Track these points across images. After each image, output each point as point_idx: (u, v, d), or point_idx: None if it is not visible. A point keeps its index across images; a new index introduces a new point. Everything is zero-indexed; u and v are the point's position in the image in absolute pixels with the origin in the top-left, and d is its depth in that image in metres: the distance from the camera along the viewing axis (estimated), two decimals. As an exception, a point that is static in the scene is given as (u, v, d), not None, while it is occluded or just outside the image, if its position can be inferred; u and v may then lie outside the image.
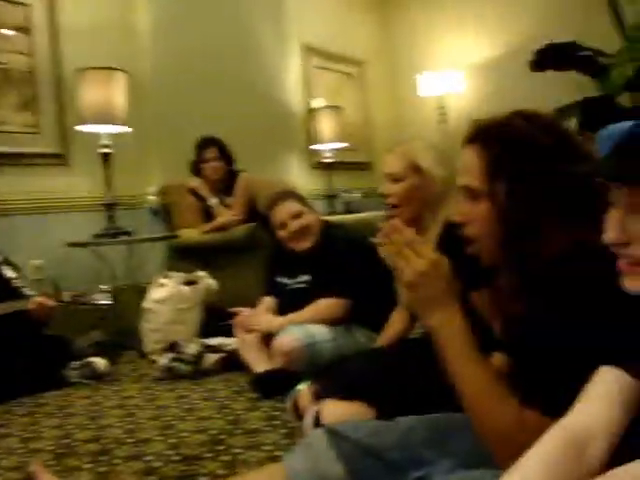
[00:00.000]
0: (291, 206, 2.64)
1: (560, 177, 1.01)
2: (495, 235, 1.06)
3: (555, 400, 0.92)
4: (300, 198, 2.73)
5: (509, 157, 1.04)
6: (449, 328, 1.05)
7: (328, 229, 2.71)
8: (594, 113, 3.52)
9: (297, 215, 2.62)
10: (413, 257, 1.06)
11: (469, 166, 1.09)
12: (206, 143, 3.75)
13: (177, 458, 1.84)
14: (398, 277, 1.10)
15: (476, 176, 1.07)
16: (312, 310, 2.55)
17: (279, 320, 2.59)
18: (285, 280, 2.74)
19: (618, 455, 0.78)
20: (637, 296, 0.83)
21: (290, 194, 2.77)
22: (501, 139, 1.06)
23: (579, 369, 0.90)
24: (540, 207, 1.03)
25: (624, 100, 4.32)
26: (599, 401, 0.79)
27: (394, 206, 1.85)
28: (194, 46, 4.41)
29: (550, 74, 4.33)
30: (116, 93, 3.47)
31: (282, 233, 2.65)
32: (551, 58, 4.43)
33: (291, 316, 2.57)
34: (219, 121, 4.23)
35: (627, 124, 1.05)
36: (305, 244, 2.62)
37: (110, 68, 3.48)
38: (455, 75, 5.70)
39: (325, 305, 2.54)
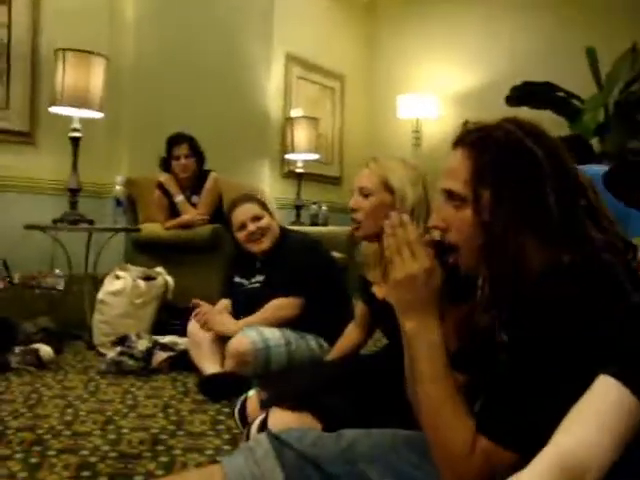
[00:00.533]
0: (251, 208, 2.65)
1: (549, 191, 0.98)
2: (476, 243, 1.02)
3: (510, 432, 0.91)
4: (261, 202, 2.74)
5: (497, 163, 1.00)
6: (423, 338, 1.03)
7: (287, 233, 2.74)
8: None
9: (256, 218, 2.63)
10: (408, 257, 1.04)
11: (454, 169, 1.05)
12: (177, 139, 3.68)
13: (114, 455, 1.79)
14: (389, 272, 1.07)
15: (461, 180, 1.03)
16: (266, 311, 2.53)
17: (236, 324, 2.56)
18: (242, 281, 2.74)
19: None
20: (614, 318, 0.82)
21: (251, 197, 2.78)
22: (490, 143, 1.02)
23: (542, 400, 0.88)
24: (525, 218, 0.99)
25: (594, 144, 4.43)
26: (597, 426, 0.74)
27: (359, 220, 1.84)
28: (179, 41, 4.40)
29: (525, 111, 4.42)
30: (94, 78, 3.40)
31: (240, 235, 2.65)
32: (526, 96, 4.53)
33: (246, 319, 2.56)
34: (195, 119, 4.21)
35: (594, 168, 1.01)
36: (262, 246, 2.63)
37: (91, 52, 3.42)
38: (432, 100, 5.77)
39: (278, 305, 2.53)
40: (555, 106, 4.51)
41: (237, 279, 2.76)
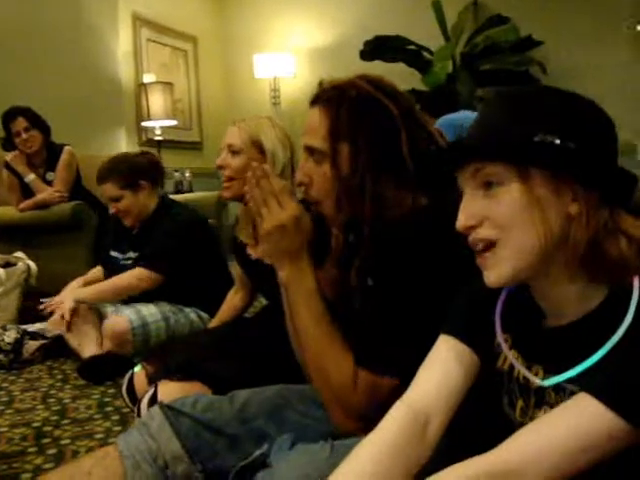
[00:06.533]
0: (108, 189, 2.49)
1: (403, 142, 1.03)
2: (335, 195, 1.07)
3: (385, 360, 0.98)
4: (123, 177, 2.48)
5: (352, 117, 1.05)
6: (300, 282, 1.07)
7: (166, 207, 2.59)
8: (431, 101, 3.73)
9: (116, 199, 2.48)
10: (276, 207, 1.06)
11: (313, 126, 1.09)
12: (11, 114, 3.38)
13: (-5, 456, 1.69)
14: (258, 224, 1.09)
15: (320, 136, 1.07)
16: (114, 279, 2.47)
17: (81, 292, 2.50)
18: (117, 255, 2.64)
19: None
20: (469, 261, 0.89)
21: (109, 175, 2.50)
22: (345, 100, 1.06)
23: (408, 329, 0.97)
24: (382, 167, 1.04)
25: (444, 94, 4.67)
26: (438, 374, 0.83)
27: (229, 179, 1.81)
28: (11, 8, 4.02)
29: (379, 64, 4.55)
30: None
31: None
32: (379, 49, 4.66)
33: (92, 287, 2.51)
34: (39, 89, 3.92)
35: (466, 113, 1.08)
36: (128, 222, 2.54)
37: None
38: (288, 58, 5.76)
39: (129, 275, 2.45)
40: (407, 58, 4.67)
41: (113, 253, 2.65)
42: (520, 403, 0.79)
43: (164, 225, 2.49)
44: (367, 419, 0.81)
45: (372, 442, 0.78)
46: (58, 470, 1.31)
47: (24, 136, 3.38)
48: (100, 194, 2.61)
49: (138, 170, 2.52)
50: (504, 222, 0.72)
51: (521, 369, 0.78)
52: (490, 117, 0.78)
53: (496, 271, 0.74)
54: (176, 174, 5.20)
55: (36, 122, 3.43)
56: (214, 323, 2.21)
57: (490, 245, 0.74)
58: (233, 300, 2.17)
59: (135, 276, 2.44)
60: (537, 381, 0.75)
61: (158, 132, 5.09)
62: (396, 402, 0.82)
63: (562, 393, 0.73)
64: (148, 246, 2.49)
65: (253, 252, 1.91)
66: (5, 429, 1.88)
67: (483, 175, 0.73)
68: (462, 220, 0.75)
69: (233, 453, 1.12)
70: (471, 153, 0.75)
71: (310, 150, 1.10)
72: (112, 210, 2.52)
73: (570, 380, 0.71)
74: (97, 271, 2.73)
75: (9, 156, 3.43)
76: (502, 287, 0.81)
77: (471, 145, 0.77)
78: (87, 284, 2.64)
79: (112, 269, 2.61)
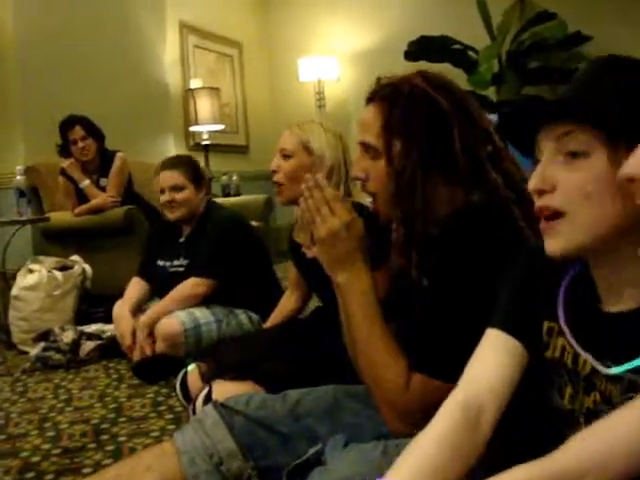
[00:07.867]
0: (173, 177, 2.55)
1: (456, 139, 1.04)
2: (389, 190, 1.09)
3: (439, 363, 0.99)
4: (191, 170, 2.60)
5: (404, 114, 1.06)
6: (355, 287, 1.08)
7: (212, 210, 2.65)
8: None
9: (175, 188, 2.54)
10: (328, 214, 1.08)
11: (368, 123, 1.11)
12: (69, 123, 3.51)
13: (57, 451, 1.75)
14: (313, 233, 1.12)
15: (374, 133, 1.10)
16: (174, 294, 2.49)
17: (150, 316, 2.49)
18: (165, 263, 2.68)
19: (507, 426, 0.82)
20: (522, 257, 0.88)
21: (180, 164, 2.61)
22: (398, 97, 1.08)
23: (462, 331, 0.96)
24: (433, 164, 1.06)
25: (490, 93, 4.61)
26: (489, 367, 0.82)
27: (281, 183, 1.84)
28: (63, 19, 4.15)
29: (424, 65, 4.50)
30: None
31: (160, 197, 2.59)
32: (424, 50, 4.63)
33: (154, 308, 2.52)
34: (91, 98, 4.04)
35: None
36: (174, 215, 2.57)
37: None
38: (332, 61, 5.78)
39: (185, 285, 2.50)
40: (452, 59, 4.62)
41: (160, 262, 2.69)
42: (569, 390, 0.78)
43: (207, 230, 2.55)
44: (420, 422, 0.81)
45: (426, 437, 0.78)
46: (118, 464, 1.36)
47: (80, 144, 3.51)
48: (153, 186, 2.65)
49: (202, 171, 2.66)
50: (579, 195, 0.70)
51: (588, 358, 0.75)
52: (598, 80, 0.74)
53: (560, 241, 0.73)
54: (223, 178, 5.28)
55: (92, 131, 3.55)
56: (269, 324, 2.22)
57: (557, 215, 0.72)
58: (287, 303, 2.19)
59: (192, 285, 2.49)
60: (603, 370, 0.72)
61: (205, 137, 5.18)
62: (447, 397, 0.82)
63: (617, 381, 0.71)
64: (197, 254, 2.53)
65: (308, 252, 1.94)
66: (66, 425, 1.96)
67: (569, 140, 0.71)
68: (534, 182, 0.73)
69: (285, 451, 1.14)
70: (568, 111, 0.73)
71: (365, 146, 1.12)
72: (165, 199, 2.53)
73: (632, 370, 0.69)
74: (137, 284, 2.71)
75: (65, 163, 3.55)
76: (560, 271, 0.79)
77: (573, 103, 0.74)
78: (137, 303, 2.65)
79: (161, 279, 2.65)
